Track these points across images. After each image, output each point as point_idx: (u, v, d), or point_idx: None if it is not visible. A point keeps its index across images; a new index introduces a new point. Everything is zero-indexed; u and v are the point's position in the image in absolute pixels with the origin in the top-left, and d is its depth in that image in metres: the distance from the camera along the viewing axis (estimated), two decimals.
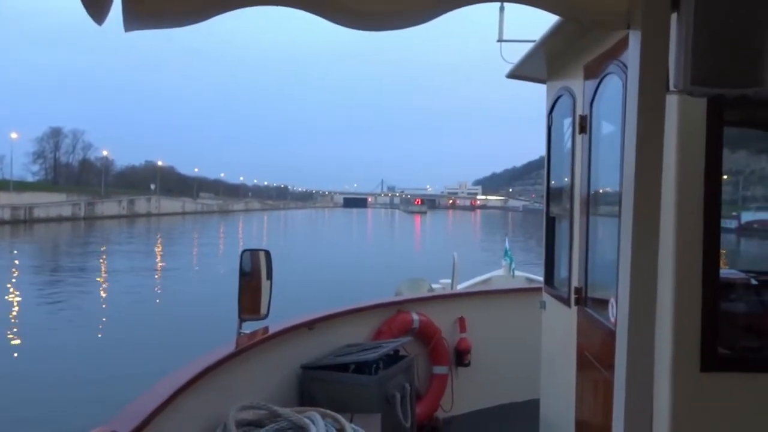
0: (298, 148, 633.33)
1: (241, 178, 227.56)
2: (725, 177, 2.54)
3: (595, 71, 3.55)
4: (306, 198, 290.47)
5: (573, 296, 3.86)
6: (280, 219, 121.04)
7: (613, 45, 3.20)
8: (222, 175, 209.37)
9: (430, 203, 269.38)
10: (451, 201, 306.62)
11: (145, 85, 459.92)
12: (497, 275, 12.95)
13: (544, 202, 4.92)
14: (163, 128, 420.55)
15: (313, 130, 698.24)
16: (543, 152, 4.86)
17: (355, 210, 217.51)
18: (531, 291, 6.20)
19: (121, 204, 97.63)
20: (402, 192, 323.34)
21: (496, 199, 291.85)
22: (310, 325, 4.59)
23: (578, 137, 3.85)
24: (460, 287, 10.94)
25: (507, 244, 14.09)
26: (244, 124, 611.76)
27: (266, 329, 4.17)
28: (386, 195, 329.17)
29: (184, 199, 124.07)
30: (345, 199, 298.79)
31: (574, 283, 3.87)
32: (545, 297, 4.70)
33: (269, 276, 4.20)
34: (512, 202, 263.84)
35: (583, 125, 3.73)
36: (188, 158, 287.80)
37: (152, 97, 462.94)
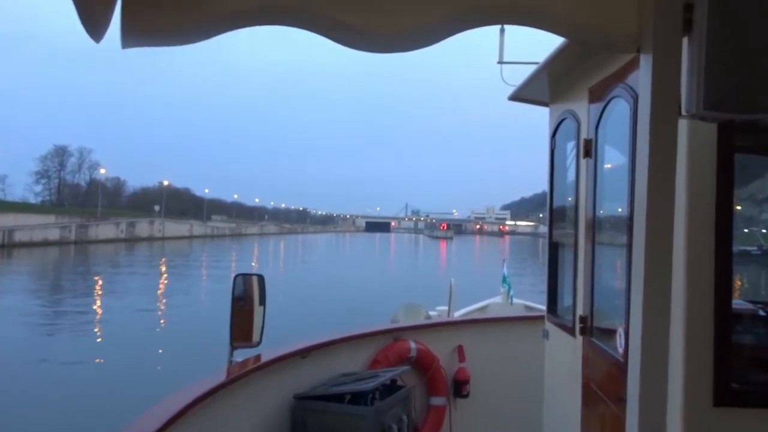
0: (319, 171, 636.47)
1: (257, 200, 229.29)
2: None
3: (600, 94, 3.62)
4: (326, 222, 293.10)
5: (578, 325, 3.89)
6: (297, 244, 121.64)
7: (619, 68, 3.27)
8: (235, 196, 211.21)
9: (457, 228, 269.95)
10: (478, 226, 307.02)
11: (159, 104, 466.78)
12: (494, 302, 13.06)
13: (548, 229, 5.00)
14: (178, 149, 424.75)
15: (335, 152, 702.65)
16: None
17: (377, 235, 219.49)
18: (533, 319, 6.25)
19: (119, 227, 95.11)
20: (427, 216, 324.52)
21: (526, 225, 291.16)
22: (303, 353, 4.63)
23: (582, 161, 3.92)
24: (457, 314, 11.02)
25: (505, 270, 14.10)
26: (263, 146, 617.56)
27: (258, 357, 4.21)
28: (410, 219, 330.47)
29: (191, 222, 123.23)
30: (367, 223, 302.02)
31: (579, 311, 3.91)
32: (548, 326, 4.74)
33: (262, 302, 4.27)
34: (543, 228, 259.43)
35: (588, 149, 3.81)
36: (203, 180, 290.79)
37: (166, 116, 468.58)
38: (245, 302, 4.25)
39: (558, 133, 4.62)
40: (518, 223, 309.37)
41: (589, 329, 3.76)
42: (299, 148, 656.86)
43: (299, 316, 24.05)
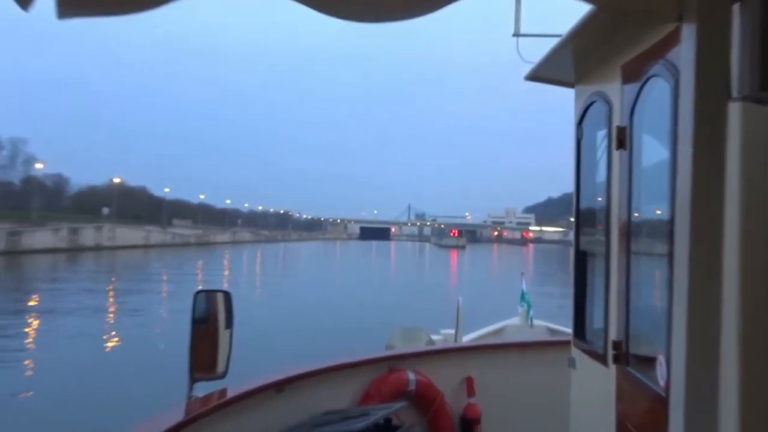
0: (304, 167, 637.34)
1: (228, 202, 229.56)
2: None
3: (635, 73, 3.67)
4: (312, 227, 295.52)
5: (611, 352, 3.91)
6: (277, 254, 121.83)
7: (657, 41, 3.31)
8: (202, 197, 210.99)
9: (470, 235, 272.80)
10: (496, 232, 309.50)
11: (110, 88, 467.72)
12: (511, 324, 13.35)
13: (574, 235, 5.03)
14: (133, 141, 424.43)
15: (322, 145, 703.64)
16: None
17: (374, 243, 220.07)
18: (556, 345, 6.29)
19: (59, 234, 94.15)
20: (434, 221, 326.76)
21: (554, 231, 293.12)
22: (279, 386, 4.66)
23: (615, 153, 3.96)
24: (466, 339, 11.15)
25: (524, 286, 14.28)
26: (236, 139, 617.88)
27: (224, 392, 4.24)
28: (414, 224, 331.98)
29: (148, 228, 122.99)
30: (362, 229, 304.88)
31: (612, 335, 3.93)
32: (575, 353, 4.78)
33: (229, 324, 4.25)
34: None
35: (622, 139, 3.83)
36: (164, 178, 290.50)
37: (119, 103, 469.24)
38: (208, 324, 4.22)
39: (585, 119, 4.65)
40: (544, 228, 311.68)
41: (624, 357, 3.76)
42: (279, 141, 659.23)
43: (275, 342, 24.14)
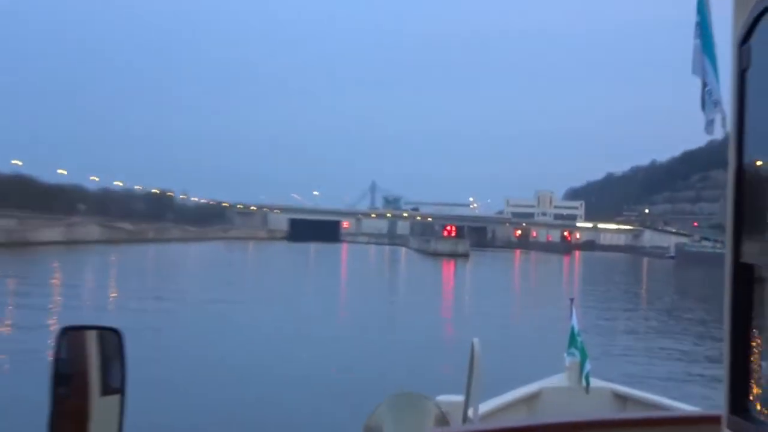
0: (194, 121, 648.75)
1: (63, 173, 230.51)
2: None
3: None
4: (208, 218, 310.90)
5: None
6: (145, 265, 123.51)
7: None
8: (17, 163, 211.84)
9: (476, 235, 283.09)
10: (519, 231, 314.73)
11: None
12: (552, 387, 14.04)
13: (727, 233, 4.83)
14: None
15: (225, 79, 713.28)
16: (722, 130, 5.89)
17: (312, 246, 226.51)
18: (675, 424, 6.79)
19: None
20: (415, 209, 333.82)
21: (616, 229, 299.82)
22: None
23: None
24: (483, 410, 11.28)
25: (574, 321, 14.27)
26: (80, 67, 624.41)
27: None
28: (381, 215, 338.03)
29: None
30: (293, 223, 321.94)
31: None
32: None
33: (111, 387, 4.28)
34: (650, 237, 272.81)
35: None
36: None
37: None
38: (75, 389, 4.19)
39: (755, 36, 4.60)
40: (600, 225, 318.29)
41: None
42: (152, 77, 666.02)
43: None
